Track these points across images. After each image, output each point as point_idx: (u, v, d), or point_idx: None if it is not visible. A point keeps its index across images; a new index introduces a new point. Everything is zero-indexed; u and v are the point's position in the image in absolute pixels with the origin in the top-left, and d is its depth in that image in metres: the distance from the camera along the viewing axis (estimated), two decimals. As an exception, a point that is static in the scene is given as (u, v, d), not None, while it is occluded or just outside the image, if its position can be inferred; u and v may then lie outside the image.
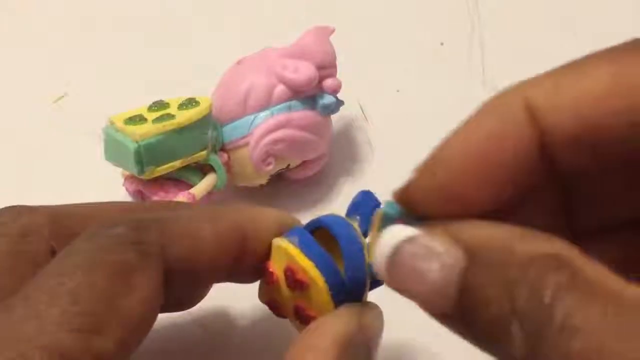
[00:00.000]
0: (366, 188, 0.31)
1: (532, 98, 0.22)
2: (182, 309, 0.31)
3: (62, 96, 0.52)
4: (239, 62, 0.44)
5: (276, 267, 0.29)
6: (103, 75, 0.53)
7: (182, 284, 0.27)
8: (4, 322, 0.23)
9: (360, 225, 0.29)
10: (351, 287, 0.28)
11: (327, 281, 0.28)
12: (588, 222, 0.25)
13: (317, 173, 0.45)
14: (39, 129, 0.50)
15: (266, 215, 0.30)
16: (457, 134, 0.23)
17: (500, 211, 0.23)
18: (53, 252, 0.28)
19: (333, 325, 0.26)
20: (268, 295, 0.30)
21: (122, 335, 0.23)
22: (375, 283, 0.29)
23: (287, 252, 0.28)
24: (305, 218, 0.44)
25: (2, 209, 0.29)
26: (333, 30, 0.44)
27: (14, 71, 0.54)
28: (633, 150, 0.21)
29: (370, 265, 0.28)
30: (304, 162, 0.44)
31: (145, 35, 0.55)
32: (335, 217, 0.29)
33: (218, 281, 0.30)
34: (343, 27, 0.45)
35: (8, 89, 0.53)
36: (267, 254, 0.30)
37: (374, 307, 0.28)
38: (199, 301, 0.31)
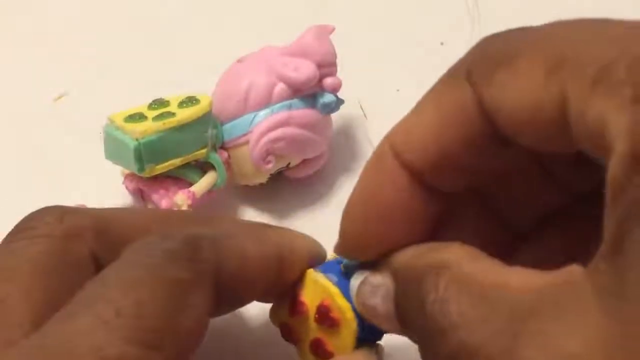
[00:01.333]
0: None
1: (394, 143, 0.26)
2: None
3: (62, 95, 0.52)
4: (239, 61, 0.44)
5: (308, 299, 0.30)
6: (103, 75, 0.53)
7: (227, 302, 0.29)
8: (69, 330, 0.23)
9: None
10: (372, 333, 0.29)
11: (358, 324, 0.29)
12: (518, 221, 0.29)
13: (317, 172, 0.45)
14: (39, 129, 0.50)
15: (301, 242, 0.32)
16: (353, 192, 0.27)
17: (437, 229, 0.27)
18: (95, 257, 0.28)
19: None
20: (285, 320, 0.31)
21: (177, 352, 0.24)
22: None
23: (326, 289, 0.30)
24: (305, 217, 0.45)
25: (45, 208, 0.29)
26: (333, 29, 0.44)
27: (14, 71, 0.54)
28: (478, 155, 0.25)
29: None
30: (304, 161, 0.44)
31: (145, 35, 0.55)
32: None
33: (251, 301, 0.31)
34: (343, 26, 0.45)
35: (8, 88, 0.53)
36: (296, 281, 0.31)
37: (382, 350, 0.30)
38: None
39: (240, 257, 0.28)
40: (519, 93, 0.23)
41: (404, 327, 0.25)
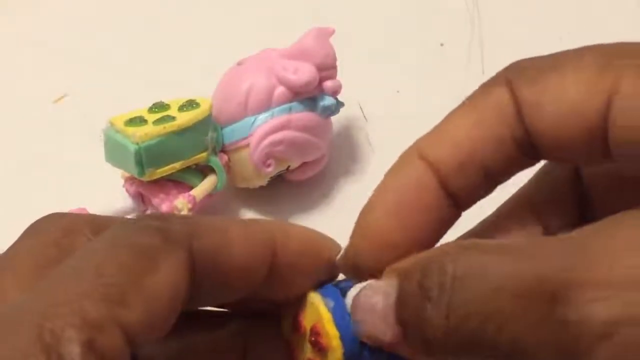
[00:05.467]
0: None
1: (421, 147, 0.27)
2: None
3: (62, 96, 0.52)
4: (239, 63, 0.44)
5: (306, 320, 0.30)
6: (103, 75, 0.53)
7: (211, 285, 0.27)
8: (31, 296, 0.23)
9: None
10: None
11: (345, 353, 0.28)
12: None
13: (318, 174, 0.45)
14: (39, 129, 0.50)
15: (298, 231, 0.30)
16: (374, 195, 0.27)
17: None
18: None
19: None
20: (287, 336, 0.31)
21: (147, 312, 0.24)
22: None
23: (319, 313, 0.29)
24: (305, 219, 0.45)
25: (42, 217, 0.29)
26: (333, 32, 0.44)
27: (14, 71, 0.54)
28: (506, 163, 0.26)
29: None
30: (304, 164, 0.45)
31: (146, 37, 0.55)
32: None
33: (248, 292, 0.29)
34: (343, 29, 0.45)
35: (8, 89, 0.53)
36: (295, 273, 0.30)
37: None
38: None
39: (220, 233, 0.27)
40: (562, 92, 0.24)
41: (401, 324, 0.25)
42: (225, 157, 0.43)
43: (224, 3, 0.57)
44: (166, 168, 0.40)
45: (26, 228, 0.29)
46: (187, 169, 0.41)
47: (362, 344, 0.29)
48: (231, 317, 0.31)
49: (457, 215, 0.28)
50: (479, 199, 0.28)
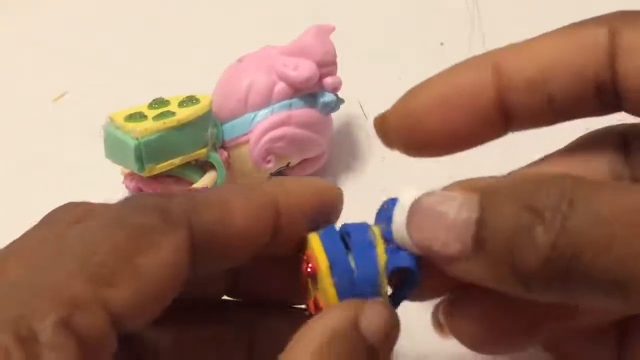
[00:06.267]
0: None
1: (498, 53, 0.27)
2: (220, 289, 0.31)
3: (62, 95, 0.52)
4: (239, 60, 0.44)
5: (310, 259, 0.29)
6: (103, 75, 0.53)
7: (213, 257, 0.27)
8: (22, 273, 0.23)
9: (383, 230, 0.29)
10: (360, 286, 0.27)
11: (333, 273, 0.27)
12: None
13: (317, 171, 0.45)
14: (39, 129, 0.50)
15: (302, 186, 0.29)
16: (430, 79, 0.27)
17: None
18: None
19: (322, 321, 0.26)
20: (303, 284, 0.30)
21: (138, 294, 0.23)
22: (399, 296, 0.28)
23: (309, 241, 0.28)
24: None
25: (58, 207, 0.28)
26: (333, 29, 0.44)
27: (14, 71, 0.54)
28: (574, 100, 0.26)
29: (385, 271, 0.27)
30: (304, 160, 0.44)
31: (145, 35, 0.55)
32: (358, 223, 0.29)
33: (252, 256, 0.28)
34: (343, 28, 0.45)
35: (8, 88, 0.53)
36: (298, 224, 0.28)
37: (379, 306, 0.27)
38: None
39: (220, 206, 0.26)
40: None
41: (484, 240, 0.24)
42: (225, 153, 0.43)
43: (224, 3, 0.57)
44: (166, 164, 0.40)
45: (43, 217, 0.29)
46: (187, 165, 0.41)
47: (363, 276, 0.27)
48: (239, 308, 0.31)
49: (500, 134, 0.27)
50: (528, 126, 0.27)
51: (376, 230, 0.28)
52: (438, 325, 0.29)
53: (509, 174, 0.29)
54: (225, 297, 0.31)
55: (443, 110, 0.27)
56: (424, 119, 0.27)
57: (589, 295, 0.23)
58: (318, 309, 0.28)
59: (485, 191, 0.24)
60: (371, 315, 0.26)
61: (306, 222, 0.28)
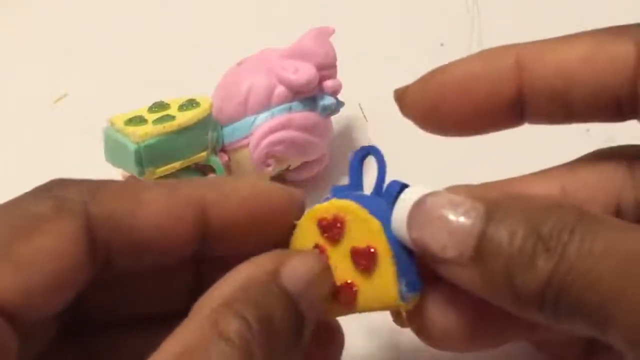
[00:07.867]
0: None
1: (522, 49, 0.27)
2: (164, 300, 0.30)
3: (63, 96, 0.52)
4: (239, 63, 0.44)
5: (298, 244, 0.28)
6: (103, 75, 0.53)
7: (129, 251, 0.26)
8: None
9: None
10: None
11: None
12: None
13: (317, 174, 0.45)
14: (39, 129, 0.50)
15: (241, 186, 0.28)
16: (453, 64, 0.28)
17: None
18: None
19: (244, 267, 0.26)
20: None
21: (20, 281, 0.23)
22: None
23: (318, 208, 0.28)
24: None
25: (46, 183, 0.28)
26: (333, 31, 0.44)
27: (15, 71, 0.54)
28: (593, 109, 0.26)
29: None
30: (304, 163, 0.45)
31: (146, 36, 0.55)
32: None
33: (181, 254, 0.27)
34: (343, 28, 0.45)
35: (8, 89, 0.53)
36: (244, 229, 0.28)
37: (307, 256, 0.27)
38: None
39: (127, 199, 0.26)
40: None
41: (486, 253, 0.24)
42: (225, 157, 0.43)
43: (224, 4, 0.57)
44: (166, 167, 0.40)
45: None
46: (187, 169, 0.41)
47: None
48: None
49: (514, 125, 0.28)
50: (540, 123, 0.28)
51: None
52: (397, 314, 0.29)
53: (509, 180, 0.29)
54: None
55: (464, 91, 0.28)
56: (445, 96, 0.28)
57: (575, 325, 0.23)
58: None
59: (493, 205, 0.25)
60: (297, 264, 0.26)
61: (244, 223, 0.27)
